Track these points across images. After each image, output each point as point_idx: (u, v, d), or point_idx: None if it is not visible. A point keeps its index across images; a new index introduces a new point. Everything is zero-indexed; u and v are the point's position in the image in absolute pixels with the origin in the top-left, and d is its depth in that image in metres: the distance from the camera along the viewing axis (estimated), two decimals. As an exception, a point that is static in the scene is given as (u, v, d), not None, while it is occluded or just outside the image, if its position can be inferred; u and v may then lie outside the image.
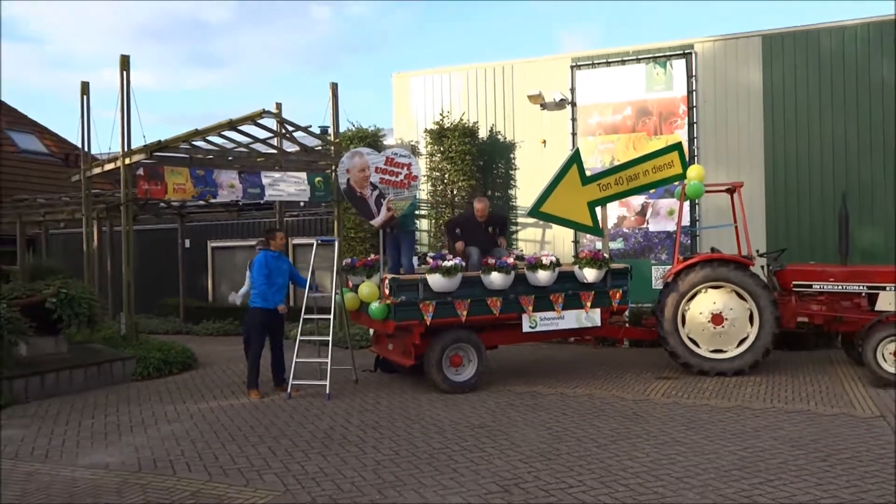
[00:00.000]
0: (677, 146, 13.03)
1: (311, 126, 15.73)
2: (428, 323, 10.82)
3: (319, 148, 17.18)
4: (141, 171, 13.45)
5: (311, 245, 11.95)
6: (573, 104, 17.76)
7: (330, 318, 11.38)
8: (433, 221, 17.83)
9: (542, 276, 11.08)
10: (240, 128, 14.84)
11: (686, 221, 16.11)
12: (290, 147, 17.25)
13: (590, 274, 11.39)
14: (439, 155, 17.38)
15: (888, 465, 7.10)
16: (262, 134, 15.87)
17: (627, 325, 13.45)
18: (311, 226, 20.54)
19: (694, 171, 12.66)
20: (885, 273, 11.90)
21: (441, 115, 17.87)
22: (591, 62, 17.65)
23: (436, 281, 10.66)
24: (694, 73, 16.79)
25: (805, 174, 16.00)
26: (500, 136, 18.20)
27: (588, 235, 16.53)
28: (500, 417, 9.29)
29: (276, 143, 16.69)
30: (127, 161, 13.62)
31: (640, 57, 17.20)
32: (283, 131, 16.16)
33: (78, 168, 17.29)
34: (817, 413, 9.26)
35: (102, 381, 12.06)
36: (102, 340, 13.72)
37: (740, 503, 6.08)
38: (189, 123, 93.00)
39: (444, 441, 8.19)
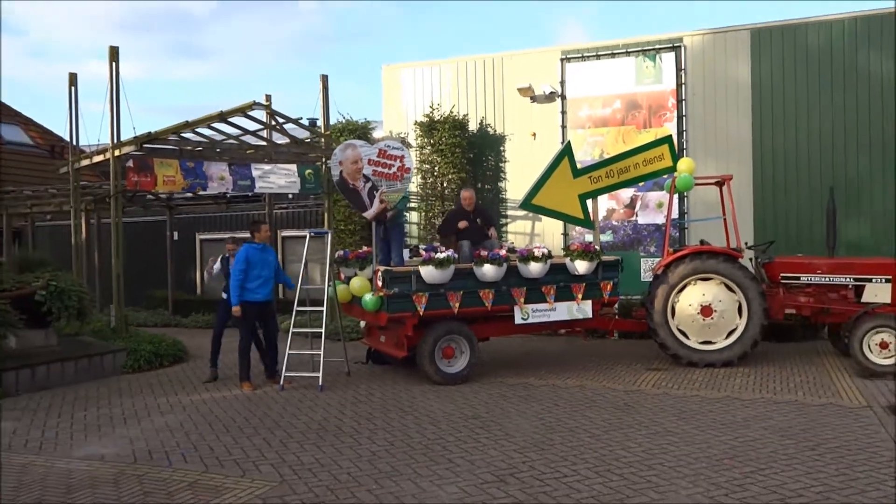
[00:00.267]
0: (667, 139, 13.08)
1: (301, 118, 15.70)
2: (421, 314, 10.87)
3: (309, 140, 17.17)
4: (130, 163, 13.43)
5: (300, 237, 12.04)
6: (563, 97, 17.81)
7: (322, 310, 11.40)
8: (423, 214, 17.86)
9: (534, 268, 11.13)
10: (230, 119, 14.82)
11: (675, 214, 16.20)
12: (280, 139, 17.23)
13: (581, 266, 11.44)
14: (429, 147, 17.40)
15: (876, 453, 7.19)
16: (253, 126, 15.85)
17: (617, 316, 13.53)
18: (301, 218, 20.53)
19: (684, 164, 12.73)
20: (872, 265, 12.01)
21: (431, 107, 17.90)
22: (580, 55, 17.69)
23: (429, 273, 10.70)
24: (683, 67, 16.87)
25: (793, 167, 16.11)
26: (489, 129, 18.23)
27: (578, 228, 16.61)
28: (493, 408, 9.35)
29: (266, 136, 16.67)
30: (116, 153, 13.58)
31: (629, 50, 17.26)
32: (274, 123, 16.14)
33: (64, 160, 17.24)
34: (805, 403, 9.36)
35: (93, 374, 12.05)
36: (92, 333, 13.69)
37: (732, 492, 6.16)
38: (176, 114, 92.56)
39: (438, 432, 8.24)
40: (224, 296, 11.76)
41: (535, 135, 17.98)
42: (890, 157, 15.44)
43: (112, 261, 13.91)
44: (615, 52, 17.39)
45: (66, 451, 7.92)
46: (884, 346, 10.97)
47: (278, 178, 15.17)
